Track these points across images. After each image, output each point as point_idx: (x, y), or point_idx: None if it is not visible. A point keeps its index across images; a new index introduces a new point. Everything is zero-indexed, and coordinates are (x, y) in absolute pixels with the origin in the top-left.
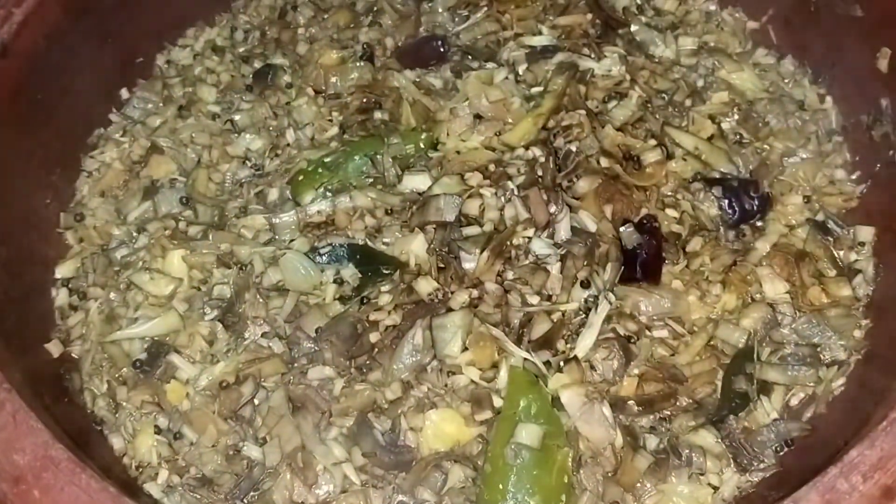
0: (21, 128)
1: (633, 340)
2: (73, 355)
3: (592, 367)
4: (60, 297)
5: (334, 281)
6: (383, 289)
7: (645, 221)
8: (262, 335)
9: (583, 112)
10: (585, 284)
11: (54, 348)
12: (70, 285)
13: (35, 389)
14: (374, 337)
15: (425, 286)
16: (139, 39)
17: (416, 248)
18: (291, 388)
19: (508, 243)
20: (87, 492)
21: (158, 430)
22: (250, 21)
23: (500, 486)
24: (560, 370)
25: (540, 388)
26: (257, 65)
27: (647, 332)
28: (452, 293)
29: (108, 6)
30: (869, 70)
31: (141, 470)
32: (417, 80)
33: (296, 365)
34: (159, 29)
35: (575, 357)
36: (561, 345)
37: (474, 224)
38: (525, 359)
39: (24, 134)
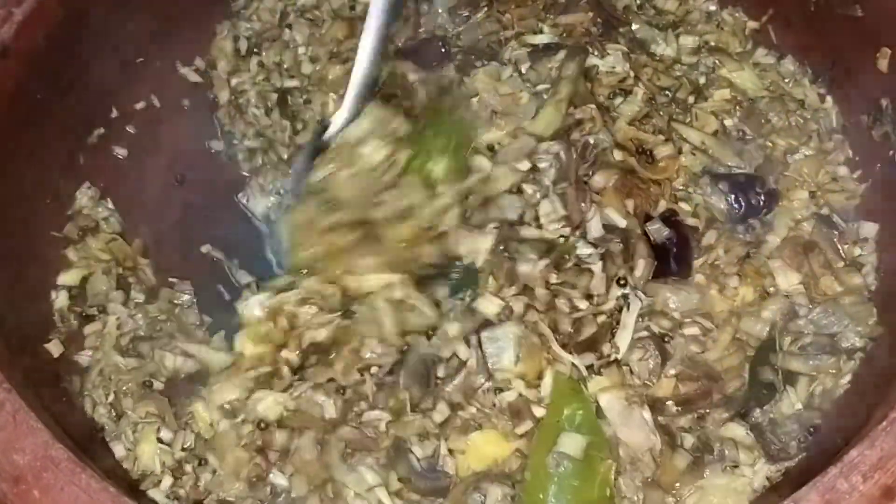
0: (21, 128)
1: (667, 339)
2: (80, 363)
3: (631, 371)
4: (60, 298)
5: None
6: (451, 315)
7: (668, 215)
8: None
9: (593, 106)
10: (623, 283)
11: (54, 348)
12: (72, 292)
13: (35, 389)
14: (441, 371)
15: (490, 307)
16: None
17: (482, 247)
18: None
19: (566, 256)
20: (87, 492)
21: (160, 440)
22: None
23: (541, 496)
24: (599, 373)
25: (584, 396)
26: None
27: (680, 331)
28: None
29: (109, 6)
30: (869, 70)
31: (143, 476)
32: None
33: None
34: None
35: (616, 360)
36: (606, 348)
37: (530, 225)
38: (572, 364)
39: (24, 134)
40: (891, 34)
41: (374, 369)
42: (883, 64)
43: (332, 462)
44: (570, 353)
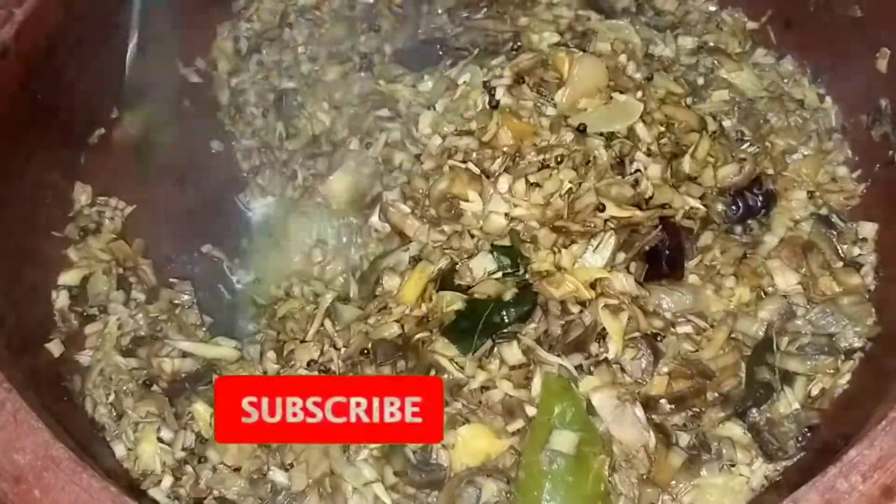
0: (21, 128)
1: (659, 338)
2: (80, 362)
3: (623, 370)
4: (61, 298)
5: None
6: None
7: (660, 217)
8: (308, 364)
9: None
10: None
11: (55, 348)
12: (73, 292)
13: (36, 389)
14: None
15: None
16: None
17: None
18: None
19: None
20: (88, 491)
21: (161, 440)
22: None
23: (535, 494)
24: (590, 373)
25: (574, 394)
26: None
27: (672, 329)
28: None
29: (109, 6)
30: (868, 70)
31: (144, 476)
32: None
33: None
34: None
35: (605, 359)
36: (594, 348)
37: None
38: (560, 365)
39: (24, 134)
40: (891, 34)
41: (342, 350)
42: (882, 64)
43: (333, 453)
44: (559, 354)
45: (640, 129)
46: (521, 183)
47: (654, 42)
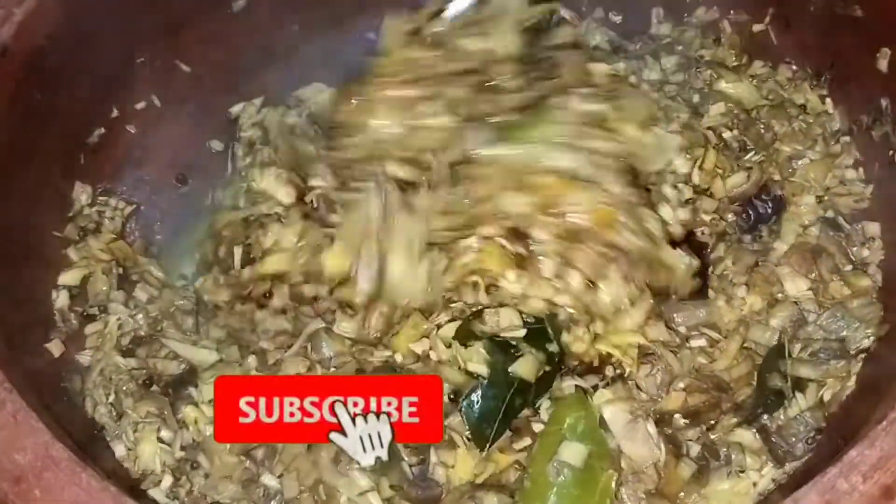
0: (21, 128)
1: (673, 352)
2: (80, 362)
3: (638, 386)
4: (61, 298)
5: None
6: None
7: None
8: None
9: None
10: None
11: (55, 348)
12: (73, 292)
13: (36, 389)
14: None
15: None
16: (140, 39)
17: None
18: None
19: None
20: (88, 491)
21: (161, 440)
22: None
23: None
24: (605, 386)
25: (588, 405)
26: None
27: (687, 343)
28: None
29: (109, 6)
30: (869, 70)
31: (143, 476)
32: None
33: None
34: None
35: (620, 375)
36: (610, 370)
37: None
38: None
39: (23, 134)
40: (891, 34)
41: (332, 370)
42: (882, 64)
43: (323, 464)
44: (573, 377)
45: (679, 162)
46: (576, 276)
47: (639, 69)
